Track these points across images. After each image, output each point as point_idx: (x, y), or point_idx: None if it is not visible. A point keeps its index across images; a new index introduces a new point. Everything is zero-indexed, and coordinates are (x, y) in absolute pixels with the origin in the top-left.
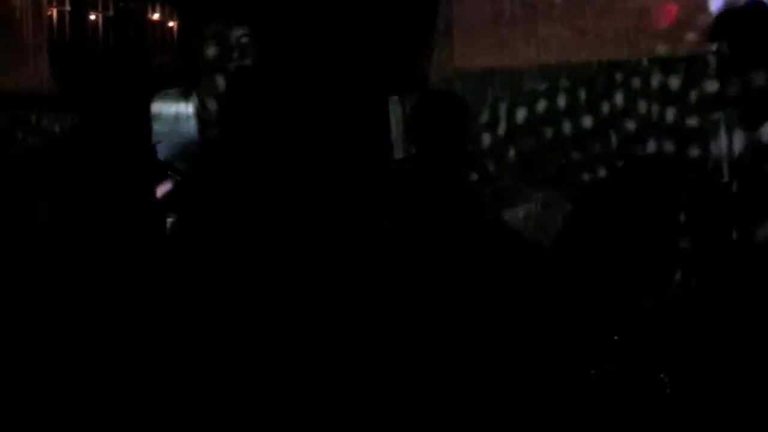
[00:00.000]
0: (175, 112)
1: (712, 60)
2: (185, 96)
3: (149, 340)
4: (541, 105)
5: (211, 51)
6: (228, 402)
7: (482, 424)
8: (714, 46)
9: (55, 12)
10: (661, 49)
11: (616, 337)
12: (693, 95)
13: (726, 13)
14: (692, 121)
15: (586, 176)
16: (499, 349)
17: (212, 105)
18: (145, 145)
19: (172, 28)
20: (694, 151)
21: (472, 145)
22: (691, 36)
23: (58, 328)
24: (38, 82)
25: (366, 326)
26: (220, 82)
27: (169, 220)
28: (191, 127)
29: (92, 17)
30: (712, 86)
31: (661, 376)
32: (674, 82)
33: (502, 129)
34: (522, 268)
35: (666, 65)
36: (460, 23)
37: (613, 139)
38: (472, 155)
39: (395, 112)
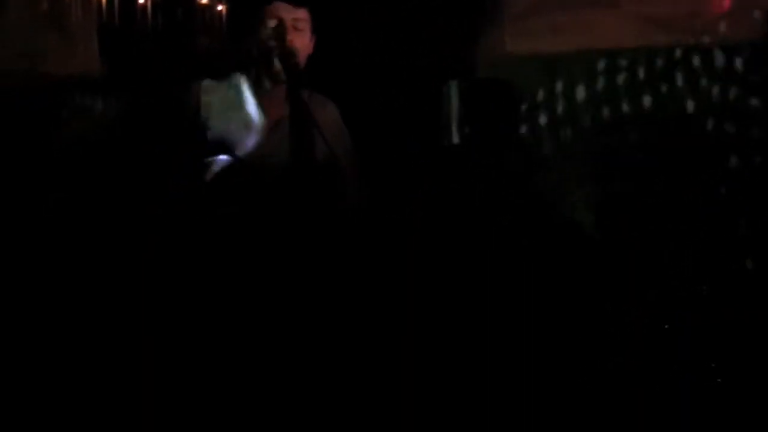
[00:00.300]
0: (226, 98)
1: None
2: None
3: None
4: (595, 89)
5: (263, 34)
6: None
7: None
8: None
9: None
10: (718, 31)
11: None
12: (755, 78)
13: None
14: (755, 102)
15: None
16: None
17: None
18: (197, 131)
19: (221, 11)
20: (756, 133)
21: (525, 132)
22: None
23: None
24: (88, 65)
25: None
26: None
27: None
28: (244, 113)
29: (141, 0)
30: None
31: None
32: (737, 65)
33: (555, 114)
34: (571, 257)
35: (725, 48)
36: (512, 7)
37: (669, 123)
38: (524, 141)
39: (449, 98)
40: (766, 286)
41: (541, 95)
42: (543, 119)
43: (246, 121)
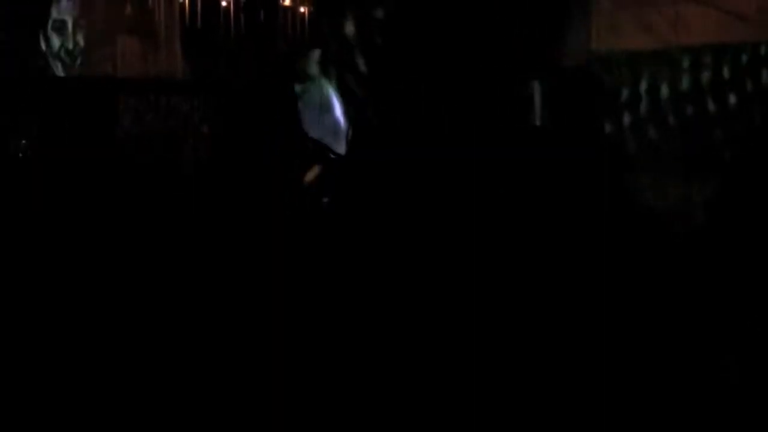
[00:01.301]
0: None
1: None
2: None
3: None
4: (683, 87)
5: (348, 32)
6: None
7: None
8: None
9: None
10: None
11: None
12: None
13: None
14: None
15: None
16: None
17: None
18: (292, 130)
19: (303, 13)
20: None
21: (610, 129)
22: None
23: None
24: (173, 67)
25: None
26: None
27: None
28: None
29: (224, 2)
30: None
31: None
32: None
33: (641, 112)
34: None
35: None
36: (598, 4)
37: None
38: (609, 139)
39: (536, 95)
40: None
41: (625, 93)
42: (627, 118)
43: (335, 127)
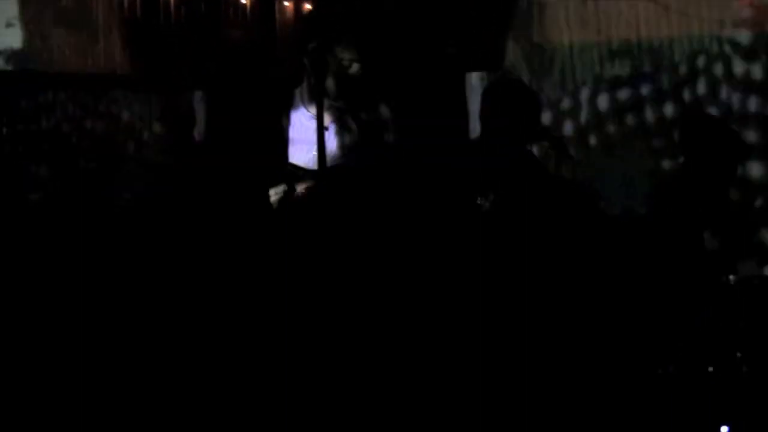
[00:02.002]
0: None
1: None
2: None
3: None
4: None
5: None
6: None
7: None
8: None
9: None
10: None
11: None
12: None
13: None
14: None
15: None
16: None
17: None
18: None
19: (245, 4)
20: None
21: (551, 127)
22: None
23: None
24: (110, 60)
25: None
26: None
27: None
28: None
29: None
30: None
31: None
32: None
33: (583, 108)
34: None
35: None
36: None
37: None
38: (551, 135)
39: (474, 89)
40: None
41: (568, 85)
42: (572, 114)
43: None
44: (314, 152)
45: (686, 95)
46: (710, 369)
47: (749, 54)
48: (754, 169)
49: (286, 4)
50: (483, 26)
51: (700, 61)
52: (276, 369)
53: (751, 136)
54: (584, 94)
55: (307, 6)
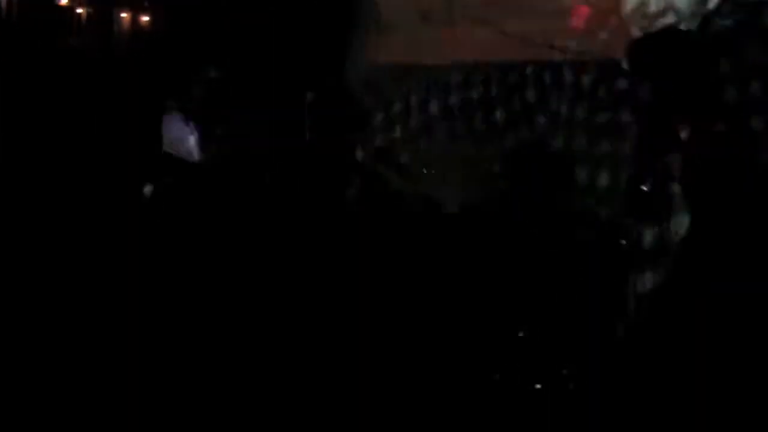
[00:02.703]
0: None
1: (624, 62)
2: None
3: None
4: (455, 101)
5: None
6: None
7: None
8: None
9: None
10: (576, 49)
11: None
12: (603, 92)
13: (641, 40)
14: (602, 118)
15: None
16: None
17: None
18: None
19: (81, 13)
20: (605, 147)
21: (384, 139)
22: (603, 36)
23: None
24: None
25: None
26: None
27: None
28: None
29: None
30: (622, 84)
31: (564, 372)
32: (586, 81)
33: (416, 124)
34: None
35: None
36: (381, 20)
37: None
38: (384, 149)
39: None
40: None
41: (398, 105)
42: (399, 128)
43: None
44: (181, 151)
45: (516, 104)
46: (537, 386)
47: (578, 63)
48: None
49: (124, 15)
50: (325, 47)
51: (529, 71)
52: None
53: (580, 141)
54: (424, 112)
55: (144, 18)
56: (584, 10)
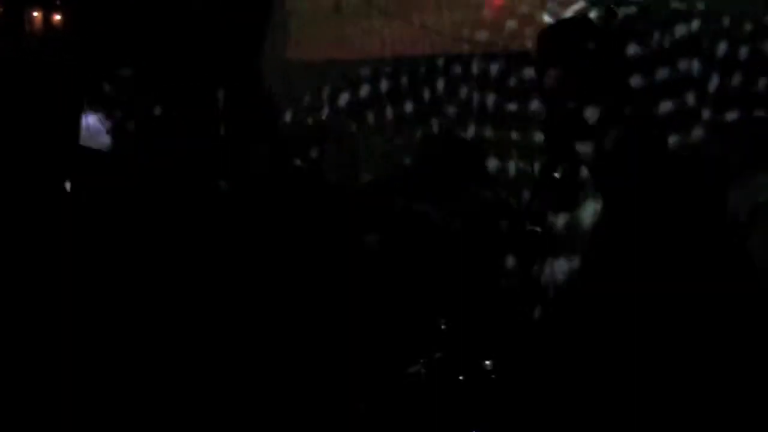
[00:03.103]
0: None
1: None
2: None
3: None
4: (369, 94)
5: None
6: None
7: None
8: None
9: None
10: (489, 41)
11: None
12: (513, 82)
13: (550, 29)
14: (512, 107)
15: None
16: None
17: None
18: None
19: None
20: (516, 136)
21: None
22: (512, 26)
23: None
24: None
25: None
26: None
27: None
28: None
29: None
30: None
31: (485, 363)
32: (496, 71)
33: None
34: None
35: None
36: (295, 16)
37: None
38: (296, 142)
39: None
40: None
41: (309, 100)
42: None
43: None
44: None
45: (426, 95)
46: (460, 377)
47: (488, 54)
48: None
49: (35, 14)
50: (236, 42)
51: (440, 62)
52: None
53: (488, 132)
54: (337, 106)
55: (57, 17)
56: (497, 2)
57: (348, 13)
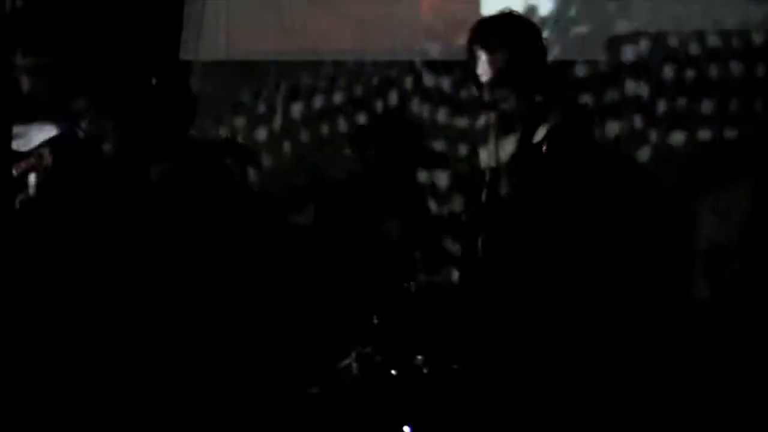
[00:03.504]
0: None
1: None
2: None
3: None
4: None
5: None
6: None
7: None
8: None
9: None
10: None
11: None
12: (464, 95)
13: (480, 23)
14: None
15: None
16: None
17: None
18: None
19: None
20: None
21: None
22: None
23: None
24: None
25: None
26: None
27: None
28: None
29: None
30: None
31: (418, 358)
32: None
33: (274, 119)
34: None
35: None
36: (230, 10)
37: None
38: (244, 147)
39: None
40: None
41: (241, 99)
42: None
43: None
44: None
45: (378, 106)
46: (392, 372)
47: (438, 66)
48: (441, 179)
49: None
50: (165, 36)
51: (392, 73)
52: None
53: (439, 145)
54: (278, 103)
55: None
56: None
57: (282, 8)
